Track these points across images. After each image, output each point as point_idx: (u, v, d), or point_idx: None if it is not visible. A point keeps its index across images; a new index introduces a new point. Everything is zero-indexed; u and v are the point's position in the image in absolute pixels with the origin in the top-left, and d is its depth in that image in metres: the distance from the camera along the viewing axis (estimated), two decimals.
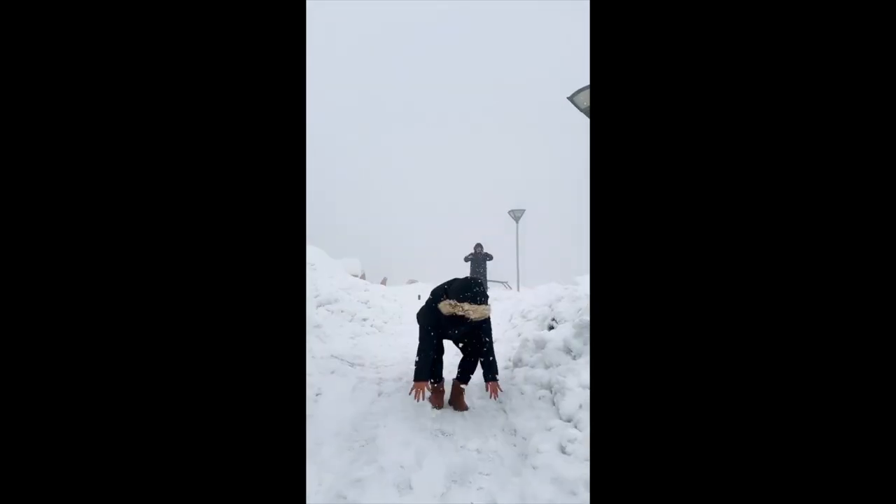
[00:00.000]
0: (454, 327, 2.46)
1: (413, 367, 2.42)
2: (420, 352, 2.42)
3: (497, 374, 2.50)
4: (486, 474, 1.89)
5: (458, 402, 2.59)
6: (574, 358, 2.54)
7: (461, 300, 2.31)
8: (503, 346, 3.57)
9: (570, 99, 4.70)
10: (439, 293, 2.48)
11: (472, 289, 2.36)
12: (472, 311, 2.29)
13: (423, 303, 2.62)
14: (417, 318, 2.64)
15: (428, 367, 2.40)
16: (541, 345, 2.88)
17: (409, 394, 2.35)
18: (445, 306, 2.34)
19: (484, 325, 2.47)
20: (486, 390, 2.49)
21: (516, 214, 11.02)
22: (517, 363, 2.95)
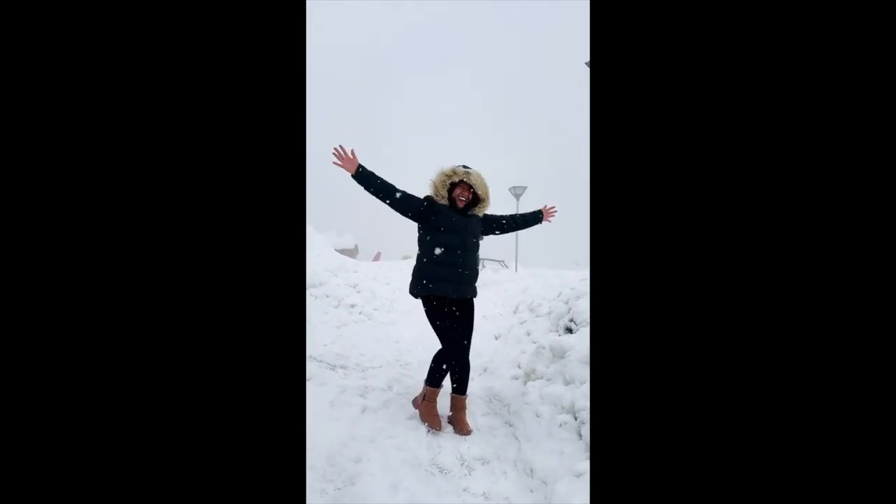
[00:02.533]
0: (454, 217, 2.14)
1: (404, 371, 2.16)
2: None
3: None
4: None
5: (459, 423, 2.15)
6: None
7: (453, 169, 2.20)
8: (511, 348, 3.11)
9: (588, 64, 4.31)
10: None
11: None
12: (468, 174, 2.16)
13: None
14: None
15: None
16: (559, 353, 2.42)
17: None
18: (438, 183, 2.18)
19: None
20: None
21: (517, 191, 10.50)
22: (530, 375, 2.48)
